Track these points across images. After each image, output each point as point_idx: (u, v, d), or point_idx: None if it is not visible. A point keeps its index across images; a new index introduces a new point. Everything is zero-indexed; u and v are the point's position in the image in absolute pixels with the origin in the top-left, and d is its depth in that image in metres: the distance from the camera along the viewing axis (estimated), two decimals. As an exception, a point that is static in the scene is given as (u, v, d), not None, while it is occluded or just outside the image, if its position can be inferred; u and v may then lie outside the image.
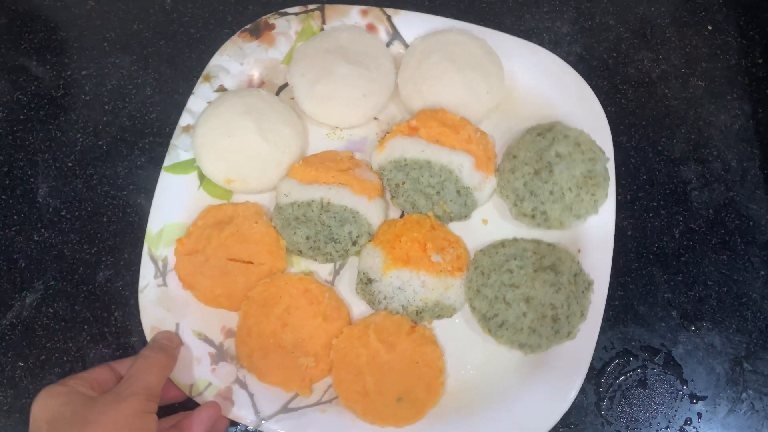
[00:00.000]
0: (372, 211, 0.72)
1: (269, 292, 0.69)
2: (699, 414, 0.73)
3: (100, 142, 0.83)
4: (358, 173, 0.72)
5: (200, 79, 0.78)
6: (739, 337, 0.75)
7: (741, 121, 0.84)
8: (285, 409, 0.68)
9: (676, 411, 0.73)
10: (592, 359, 0.75)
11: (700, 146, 0.83)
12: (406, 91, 0.78)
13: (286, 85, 0.81)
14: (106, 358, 0.75)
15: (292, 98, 0.79)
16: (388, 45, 0.81)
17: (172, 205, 0.74)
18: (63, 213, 0.80)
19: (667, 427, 0.73)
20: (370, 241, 0.72)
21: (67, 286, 0.78)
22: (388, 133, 0.76)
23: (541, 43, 0.86)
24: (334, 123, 0.78)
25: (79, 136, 0.84)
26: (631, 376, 0.74)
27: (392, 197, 0.74)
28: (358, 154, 0.78)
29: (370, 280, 0.70)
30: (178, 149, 0.76)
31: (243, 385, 0.69)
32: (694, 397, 0.74)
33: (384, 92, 0.77)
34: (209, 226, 0.71)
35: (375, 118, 0.79)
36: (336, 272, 0.75)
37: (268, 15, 0.81)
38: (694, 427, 0.73)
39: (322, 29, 0.81)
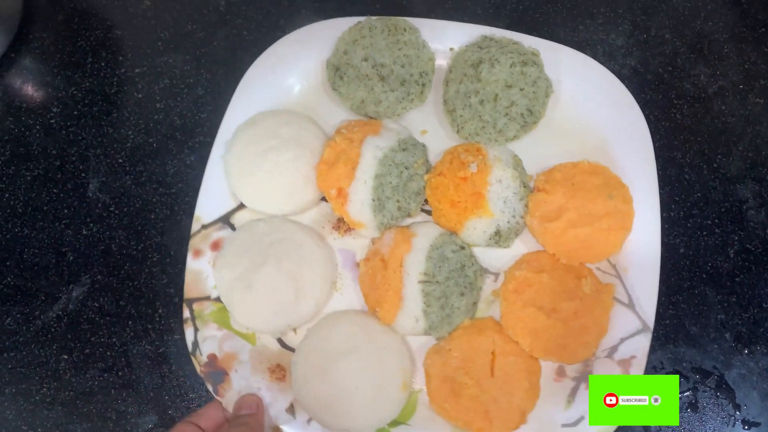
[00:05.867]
0: (430, 234, 0.71)
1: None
2: (752, 441, 0.71)
3: (150, 140, 0.84)
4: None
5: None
6: (796, 362, 0.73)
7: (801, 140, 0.82)
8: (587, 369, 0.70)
9: (728, 437, 0.71)
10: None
11: (757, 165, 0.81)
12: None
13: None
14: (149, 354, 0.76)
15: None
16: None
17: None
18: (112, 209, 0.81)
19: (718, 453, 0.71)
20: (463, 248, 0.72)
21: (113, 281, 0.78)
22: (340, 220, 0.77)
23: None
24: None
25: (130, 133, 0.84)
26: (681, 398, 0.72)
27: (396, 213, 0.73)
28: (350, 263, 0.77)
29: (497, 231, 0.71)
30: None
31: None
32: (746, 423, 0.72)
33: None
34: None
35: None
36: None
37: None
38: (746, 455, 0.71)
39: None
